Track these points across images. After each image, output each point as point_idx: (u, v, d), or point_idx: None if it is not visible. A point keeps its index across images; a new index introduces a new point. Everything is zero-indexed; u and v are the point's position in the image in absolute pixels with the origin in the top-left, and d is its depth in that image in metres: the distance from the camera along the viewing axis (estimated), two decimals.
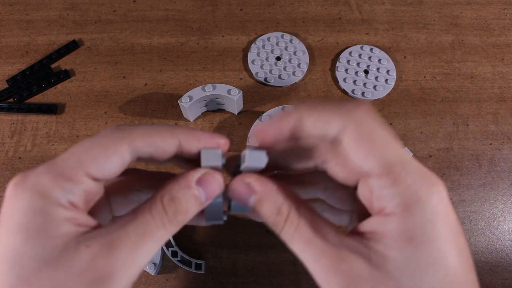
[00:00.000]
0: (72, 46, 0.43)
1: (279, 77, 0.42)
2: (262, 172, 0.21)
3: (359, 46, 0.43)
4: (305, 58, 0.42)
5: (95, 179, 0.19)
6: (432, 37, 0.44)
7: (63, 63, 0.43)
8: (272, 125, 0.20)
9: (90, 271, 0.17)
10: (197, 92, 0.36)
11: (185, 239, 0.36)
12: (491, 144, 0.39)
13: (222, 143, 0.21)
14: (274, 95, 0.41)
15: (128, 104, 0.41)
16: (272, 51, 0.43)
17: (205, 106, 0.39)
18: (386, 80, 0.41)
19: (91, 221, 0.19)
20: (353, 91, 0.41)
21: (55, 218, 0.18)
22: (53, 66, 0.42)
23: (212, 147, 0.21)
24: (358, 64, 0.42)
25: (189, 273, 0.35)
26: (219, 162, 0.20)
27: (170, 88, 0.41)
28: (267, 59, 0.42)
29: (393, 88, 0.41)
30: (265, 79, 0.41)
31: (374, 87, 0.41)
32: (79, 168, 0.19)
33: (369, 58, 0.43)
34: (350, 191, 0.21)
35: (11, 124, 0.40)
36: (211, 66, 0.43)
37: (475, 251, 0.36)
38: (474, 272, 0.18)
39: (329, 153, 0.21)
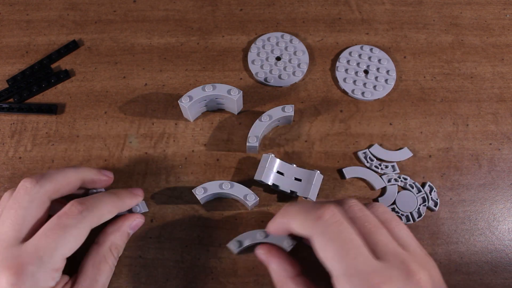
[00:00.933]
0: (72, 46, 0.43)
1: (279, 77, 0.42)
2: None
3: (359, 46, 0.43)
4: (305, 58, 0.42)
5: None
6: (432, 37, 0.44)
7: (63, 63, 0.43)
8: (273, 229, 0.29)
9: None
10: (197, 92, 0.36)
11: (185, 239, 0.36)
12: (491, 144, 0.39)
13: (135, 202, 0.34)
14: (274, 95, 0.41)
15: (128, 104, 0.41)
16: (272, 51, 0.43)
17: (205, 106, 0.39)
18: (386, 80, 0.41)
19: (61, 283, 0.28)
20: (353, 91, 0.41)
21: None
22: (53, 66, 0.42)
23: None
24: (358, 64, 0.42)
25: (189, 273, 0.35)
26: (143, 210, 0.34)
27: (170, 88, 0.42)
28: (267, 59, 0.42)
29: (393, 88, 0.41)
30: (265, 79, 0.41)
31: (374, 87, 0.41)
32: (62, 258, 0.27)
33: (369, 58, 0.43)
34: None
35: (11, 124, 0.40)
36: (211, 66, 0.43)
37: (475, 251, 0.36)
38: None
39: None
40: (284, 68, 0.42)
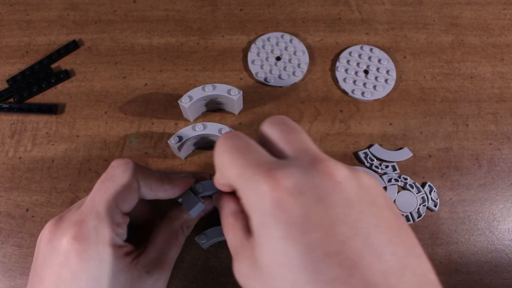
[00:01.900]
0: (72, 46, 0.43)
1: (279, 77, 0.42)
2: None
3: (359, 46, 0.43)
4: (305, 58, 0.42)
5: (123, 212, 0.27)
6: (432, 37, 0.44)
7: (63, 63, 0.43)
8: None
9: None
10: (197, 92, 0.36)
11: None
12: (490, 144, 0.39)
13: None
14: (274, 95, 0.41)
15: (128, 104, 0.41)
16: (272, 51, 0.43)
17: (205, 106, 0.39)
18: (386, 80, 0.41)
19: (129, 247, 0.27)
20: (353, 91, 0.41)
21: (123, 258, 0.25)
22: (53, 66, 0.42)
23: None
24: (358, 64, 0.42)
25: (189, 273, 0.35)
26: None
27: (170, 88, 0.42)
28: (267, 59, 0.42)
29: (393, 88, 0.41)
30: (265, 79, 0.41)
31: (374, 87, 0.41)
32: (119, 211, 0.26)
33: (369, 58, 0.43)
34: None
35: (11, 124, 0.40)
36: (211, 66, 0.43)
37: (474, 251, 0.36)
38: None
39: None
40: (284, 68, 0.42)
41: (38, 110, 0.40)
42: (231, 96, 0.36)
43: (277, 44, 0.43)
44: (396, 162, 0.38)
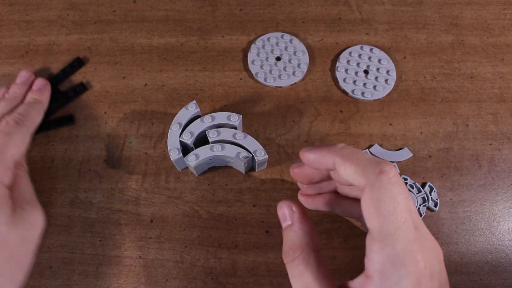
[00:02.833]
0: (77, 64, 0.42)
1: (279, 77, 0.42)
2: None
3: (359, 46, 0.43)
4: (305, 58, 0.42)
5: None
6: (432, 37, 0.44)
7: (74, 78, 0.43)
8: (311, 158, 0.27)
9: (32, 221, 0.32)
10: (196, 125, 0.36)
11: (186, 240, 0.36)
12: (491, 144, 0.39)
13: None
14: (274, 95, 0.41)
15: (128, 104, 0.41)
16: (272, 51, 0.43)
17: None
18: (386, 80, 0.41)
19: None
20: (353, 91, 0.41)
21: (9, 197, 0.31)
22: (61, 84, 0.42)
23: None
24: (358, 64, 0.42)
25: (189, 273, 0.35)
26: None
27: (170, 88, 0.41)
28: (267, 59, 0.42)
29: (393, 88, 0.41)
30: (265, 79, 0.41)
31: (374, 87, 0.41)
32: (12, 161, 0.32)
33: (369, 58, 0.43)
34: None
35: None
36: (211, 66, 0.43)
37: (475, 251, 0.36)
38: None
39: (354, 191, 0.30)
40: (284, 68, 0.42)
41: (57, 124, 0.40)
42: (231, 122, 0.36)
43: (277, 44, 0.43)
44: (396, 162, 0.38)
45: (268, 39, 0.43)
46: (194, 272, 0.35)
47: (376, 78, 0.42)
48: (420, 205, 0.36)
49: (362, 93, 0.41)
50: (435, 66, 0.43)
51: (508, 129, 0.40)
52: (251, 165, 0.37)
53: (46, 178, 0.38)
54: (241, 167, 0.36)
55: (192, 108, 0.36)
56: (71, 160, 0.38)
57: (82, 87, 0.41)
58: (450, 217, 0.37)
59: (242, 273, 0.35)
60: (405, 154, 0.38)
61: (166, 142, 0.39)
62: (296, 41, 0.43)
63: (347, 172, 0.25)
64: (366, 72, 0.42)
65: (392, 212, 0.22)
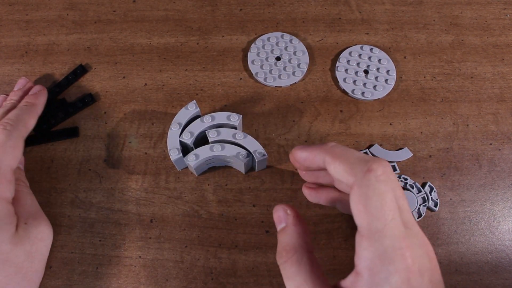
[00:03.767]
0: (80, 71, 0.42)
1: (279, 77, 0.42)
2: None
3: (359, 46, 0.43)
4: (305, 58, 0.42)
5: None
6: (432, 37, 0.44)
7: (75, 88, 0.42)
8: (303, 157, 0.29)
9: (39, 235, 0.32)
10: (196, 125, 0.36)
11: (186, 240, 0.36)
12: (491, 144, 0.39)
13: None
14: (274, 95, 0.41)
15: (128, 104, 0.41)
16: (272, 51, 0.43)
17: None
18: (386, 80, 0.41)
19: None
20: (353, 91, 0.41)
21: (13, 212, 0.30)
22: (66, 92, 0.41)
23: None
24: (358, 64, 0.42)
25: (189, 273, 0.34)
26: None
27: (170, 88, 0.41)
28: (267, 59, 0.42)
29: (393, 88, 0.41)
30: (265, 79, 0.41)
31: (374, 87, 0.41)
32: (12, 171, 0.31)
33: (369, 58, 0.42)
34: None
35: None
36: (211, 66, 0.42)
37: (475, 251, 0.36)
38: None
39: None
40: (284, 68, 0.42)
41: (61, 136, 0.39)
42: (231, 122, 0.36)
43: (277, 44, 0.43)
44: (396, 162, 0.38)
45: (268, 39, 0.43)
46: (194, 272, 0.35)
47: (376, 78, 0.42)
48: (420, 205, 0.36)
49: (362, 93, 0.41)
50: (435, 66, 0.43)
51: (509, 129, 0.40)
52: (251, 165, 0.37)
53: (46, 178, 0.38)
54: (241, 167, 0.36)
55: (192, 108, 0.36)
56: (71, 160, 0.38)
57: (91, 98, 0.40)
58: (450, 217, 0.37)
59: (242, 273, 0.35)
60: (405, 154, 0.38)
61: (166, 142, 0.39)
62: (296, 41, 0.43)
63: (337, 170, 0.25)
64: (366, 72, 0.42)
65: (379, 209, 0.23)
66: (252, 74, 0.42)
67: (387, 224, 0.22)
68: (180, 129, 0.36)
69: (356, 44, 0.44)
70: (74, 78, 0.41)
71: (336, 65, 0.42)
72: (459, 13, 0.46)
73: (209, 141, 0.35)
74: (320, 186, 0.33)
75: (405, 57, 0.43)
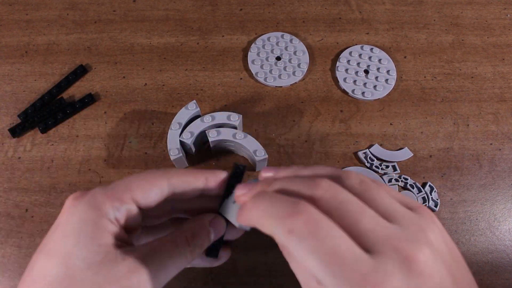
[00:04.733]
0: (80, 71, 0.42)
1: (279, 77, 0.41)
2: None
3: (359, 46, 0.43)
4: (305, 58, 0.42)
5: (138, 205, 0.24)
6: (433, 37, 0.44)
7: (75, 89, 0.42)
8: (245, 223, 0.24)
9: (124, 279, 0.21)
10: (197, 125, 0.36)
11: None
12: (491, 144, 0.39)
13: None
14: (274, 95, 0.41)
15: (128, 104, 0.41)
16: (272, 51, 0.43)
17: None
18: (386, 80, 0.41)
19: (127, 238, 0.24)
20: (353, 91, 0.41)
21: (103, 229, 0.22)
22: (66, 92, 0.41)
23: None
24: (358, 64, 0.42)
25: (189, 274, 0.34)
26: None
27: (170, 88, 0.41)
28: (267, 59, 0.42)
29: (393, 88, 0.41)
30: (265, 79, 0.41)
31: (374, 87, 0.41)
32: (128, 192, 0.23)
33: (369, 58, 0.42)
34: None
35: (10, 124, 0.40)
36: (211, 66, 0.42)
37: (475, 252, 0.35)
38: None
39: None
40: (284, 68, 0.42)
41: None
42: (231, 122, 0.36)
43: (277, 44, 0.43)
44: (397, 162, 0.38)
45: (268, 38, 0.43)
46: (194, 272, 0.35)
47: (376, 78, 0.42)
48: None
49: (363, 93, 0.41)
50: (436, 66, 0.43)
51: (509, 129, 0.40)
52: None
53: (46, 178, 0.38)
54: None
55: (192, 108, 0.36)
56: (71, 160, 0.38)
57: (91, 98, 0.40)
58: (451, 217, 0.37)
59: (242, 272, 0.34)
60: (406, 154, 0.38)
61: (166, 142, 0.39)
62: (296, 40, 0.43)
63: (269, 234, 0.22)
64: (366, 72, 0.42)
65: (323, 264, 0.19)
66: (252, 74, 0.42)
67: (340, 271, 0.19)
68: (180, 129, 0.36)
69: (356, 44, 0.44)
70: (75, 78, 0.41)
71: (336, 65, 0.42)
72: (460, 13, 0.46)
73: (209, 140, 0.35)
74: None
75: (405, 57, 0.43)
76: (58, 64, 0.43)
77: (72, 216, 0.22)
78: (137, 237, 0.27)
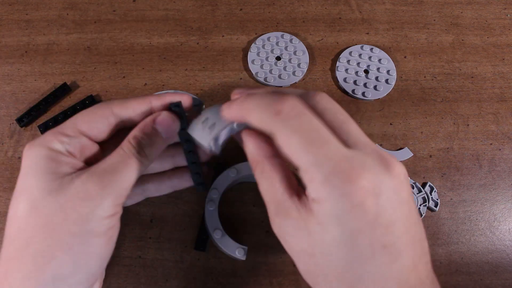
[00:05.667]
0: (89, 102, 0.40)
1: (279, 77, 0.41)
2: None
3: (359, 46, 0.43)
4: (305, 58, 0.42)
5: (88, 136, 0.26)
6: (433, 37, 0.44)
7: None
8: (230, 117, 0.25)
9: (82, 192, 0.24)
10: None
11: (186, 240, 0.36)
12: (491, 144, 0.39)
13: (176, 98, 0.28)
14: None
15: None
16: (272, 51, 0.43)
17: None
18: (386, 80, 0.41)
19: (85, 166, 0.26)
20: (353, 91, 0.41)
21: (57, 161, 0.24)
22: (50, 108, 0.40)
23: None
24: (358, 64, 0.42)
25: (189, 273, 0.34)
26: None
27: (170, 88, 0.41)
28: (267, 59, 0.42)
29: (393, 88, 0.41)
30: (265, 79, 0.41)
31: (375, 87, 0.41)
32: (73, 127, 0.26)
33: (369, 58, 0.42)
34: None
35: (10, 124, 0.40)
36: (211, 66, 0.42)
37: (475, 252, 0.35)
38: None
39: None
40: (284, 68, 0.42)
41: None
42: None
43: (277, 43, 0.43)
44: None
45: (268, 38, 0.43)
46: (194, 272, 0.35)
47: (376, 78, 0.42)
48: (420, 205, 0.36)
49: (363, 93, 0.41)
50: (436, 65, 0.43)
51: (509, 128, 0.40)
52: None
53: None
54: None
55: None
56: None
57: (91, 100, 0.40)
58: (451, 217, 0.37)
59: (242, 273, 0.34)
60: (406, 154, 0.38)
61: None
62: (296, 40, 0.43)
63: (255, 126, 0.23)
64: (366, 71, 0.42)
65: (303, 143, 0.21)
66: (252, 74, 0.42)
67: (317, 151, 0.21)
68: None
69: (356, 44, 0.44)
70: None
71: (336, 65, 0.42)
72: (460, 13, 0.46)
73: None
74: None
75: (405, 57, 0.43)
76: (58, 64, 0.43)
77: (28, 158, 0.25)
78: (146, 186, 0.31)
